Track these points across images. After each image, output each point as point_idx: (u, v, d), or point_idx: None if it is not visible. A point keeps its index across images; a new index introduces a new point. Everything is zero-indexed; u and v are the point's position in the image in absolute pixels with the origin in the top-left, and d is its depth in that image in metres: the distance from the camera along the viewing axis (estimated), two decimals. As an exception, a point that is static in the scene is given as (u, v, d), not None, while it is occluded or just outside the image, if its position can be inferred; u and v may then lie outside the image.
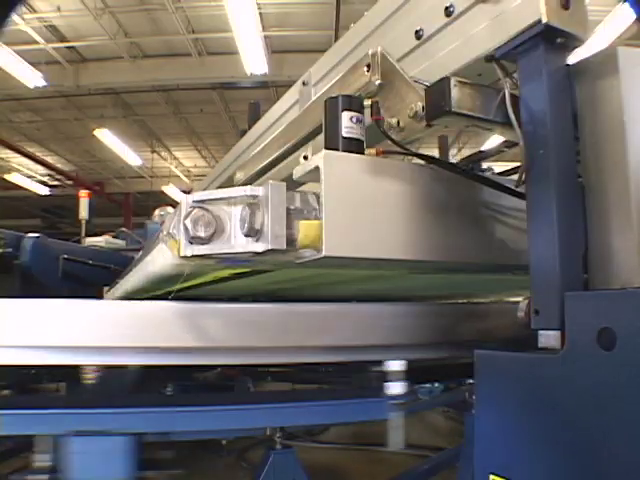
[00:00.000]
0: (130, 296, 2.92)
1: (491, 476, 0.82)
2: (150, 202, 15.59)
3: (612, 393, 0.66)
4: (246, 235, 0.83)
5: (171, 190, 17.10)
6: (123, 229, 5.77)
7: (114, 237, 5.46)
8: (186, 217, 0.83)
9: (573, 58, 0.88)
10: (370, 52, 1.04)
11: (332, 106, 0.97)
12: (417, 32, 1.15)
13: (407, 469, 3.13)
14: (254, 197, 0.84)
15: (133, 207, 19.05)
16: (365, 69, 1.04)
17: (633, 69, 0.81)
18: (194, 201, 0.85)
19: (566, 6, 0.84)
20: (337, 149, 0.93)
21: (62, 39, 9.95)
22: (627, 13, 6.11)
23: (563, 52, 0.87)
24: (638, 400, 0.62)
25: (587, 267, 0.81)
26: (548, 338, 0.79)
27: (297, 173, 0.90)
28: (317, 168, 0.85)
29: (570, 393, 0.71)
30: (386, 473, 3.36)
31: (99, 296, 3.91)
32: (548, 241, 0.80)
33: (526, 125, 0.85)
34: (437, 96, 0.88)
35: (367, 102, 1.01)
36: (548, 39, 0.84)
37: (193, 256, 0.85)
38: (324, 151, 0.86)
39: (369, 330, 1.23)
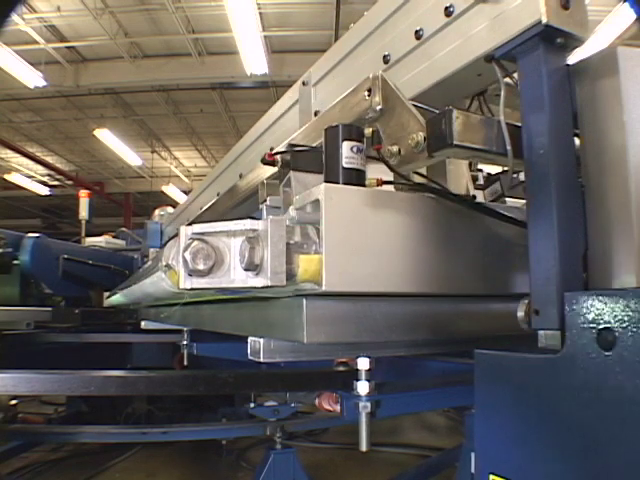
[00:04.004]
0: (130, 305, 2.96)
1: (491, 476, 0.82)
2: (150, 202, 15.64)
3: (612, 393, 0.66)
4: (246, 269, 0.82)
5: (171, 190, 17.10)
6: (123, 229, 5.78)
7: (114, 237, 5.47)
8: (185, 249, 0.83)
9: (573, 58, 0.88)
10: (371, 76, 1.02)
11: (332, 136, 0.96)
12: (417, 32, 1.15)
13: (407, 469, 3.14)
14: (254, 231, 0.83)
15: (133, 207, 19.07)
16: (366, 93, 1.03)
17: (633, 69, 0.81)
18: (193, 233, 0.85)
19: (566, 6, 0.84)
20: (337, 180, 0.92)
21: (62, 39, 9.96)
22: (627, 13, 6.12)
23: (563, 52, 0.87)
24: (638, 400, 0.62)
25: (587, 267, 0.81)
26: (548, 338, 0.79)
27: (297, 203, 0.90)
28: (317, 201, 0.85)
29: (570, 393, 0.71)
30: (384, 472, 3.37)
31: (100, 300, 3.93)
32: (548, 241, 0.80)
33: (526, 125, 0.86)
34: (439, 128, 0.87)
35: (367, 131, 1.00)
36: (548, 39, 0.84)
37: (192, 289, 0.85)
38: (324, 184, 0.86)
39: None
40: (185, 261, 0.83)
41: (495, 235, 1.05)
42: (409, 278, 0.93)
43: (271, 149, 1.54)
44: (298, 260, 0.83)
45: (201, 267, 0.82)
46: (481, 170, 1.50)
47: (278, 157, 1.11)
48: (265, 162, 1.12)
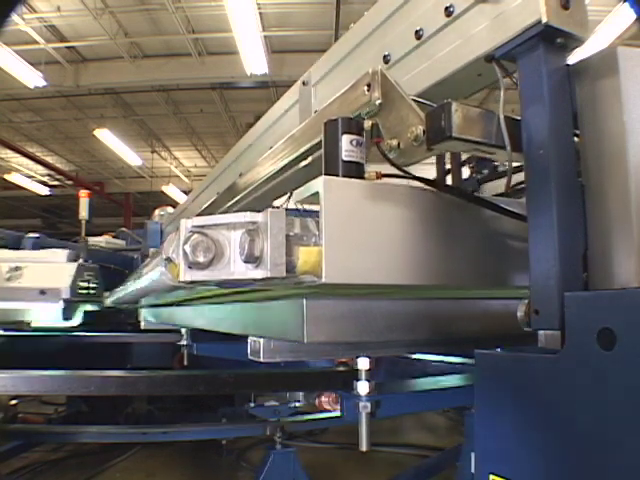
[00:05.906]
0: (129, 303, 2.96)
1: (491, 476, 0.82)
2: (150, 202, 15.64)
3: (612, 393, 0.66)
4: (245, 261, 0.82)
5: (171, 190, 17.11)
6: (123, 229, 5.78)
7: (114, 237, 5.47)
8: (185, 242, 0.83)
9: (573, 58, 0.88)
10: (370, 71, 1.02)
11: (332, 129, 0.96)
12: (417, 32, 1.15)
13: (407, 469, 3.14)
14: (253, 223, 0.83)
15: (133, 207, 19.08)
16: (365, 88, 1.03)
17: (633, 69, 0.81)
18: (193, 226, 0.85)
19: (566, 6, 0.84)
20: (337, 173, 0.92)
21: (62, 39, 9.96)
22: (627, 13, 6.12)
23: (563, 52, 0.87)
24: (638, 400, 0.62)
25: (587, 267, 0.81)
26: (548, 338, 0.79)
27: (297, 197, 0.91)
28: (317, 193, 0.85)
29: (570, 393, 0.71)
30: (384, 472, 3.37)
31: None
32: (548, 241, 0.80)
33: (526, 125, 0.86)
34: (438, 121, 0.87)
35: (367, 124, 1.00)
36: (548, 39, 0.84)
37: (192, 282, 0.85)
38: (323, 177, 0.86)
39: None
40: (185, 254, 0.83)
41: (496, 228, 1.05)
42: (409, 270, 0.92)
43: (270, 148, 1.54)
44: (298, 252, 0.83)
45: (201, 259, 0.82)
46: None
47: None
48: None
